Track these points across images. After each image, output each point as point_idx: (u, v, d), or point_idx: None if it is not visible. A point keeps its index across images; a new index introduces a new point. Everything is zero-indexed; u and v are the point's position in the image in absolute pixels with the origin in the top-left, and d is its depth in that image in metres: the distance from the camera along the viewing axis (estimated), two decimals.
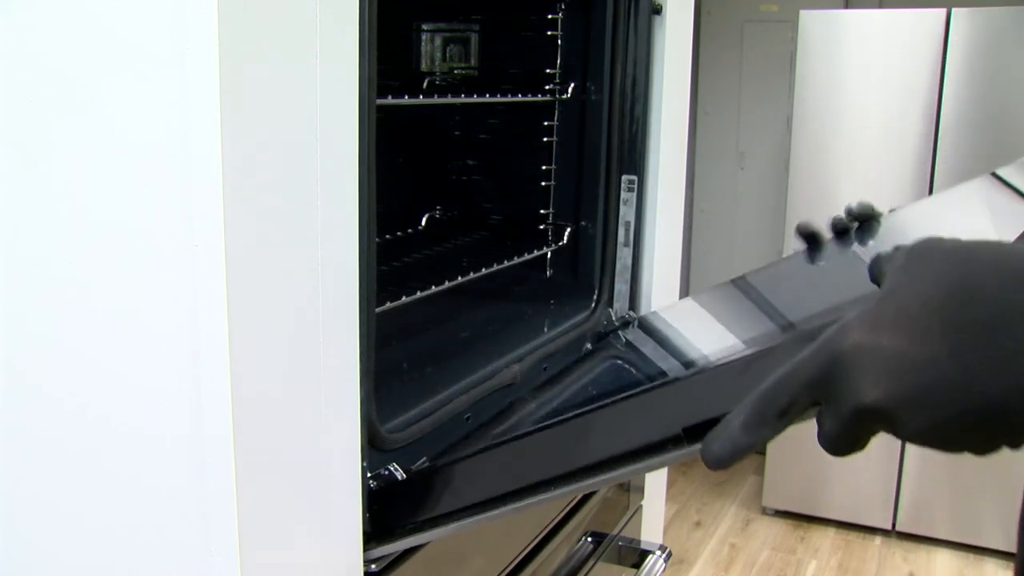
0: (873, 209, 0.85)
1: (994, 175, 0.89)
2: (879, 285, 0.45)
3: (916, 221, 0.77)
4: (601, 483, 0.62)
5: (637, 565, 1.26)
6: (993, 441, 0.40)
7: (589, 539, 1.19)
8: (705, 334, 0.79)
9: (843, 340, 0.42)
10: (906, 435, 0.42)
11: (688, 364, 0.77)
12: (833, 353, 0.43)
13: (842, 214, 0.88)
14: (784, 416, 0.46)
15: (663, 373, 0.84)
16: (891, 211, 0.87)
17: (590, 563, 1.17)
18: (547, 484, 0.64)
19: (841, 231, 0.83)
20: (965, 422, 0.40)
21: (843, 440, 0.43)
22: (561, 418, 0.64)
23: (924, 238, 0.44)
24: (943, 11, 2.74)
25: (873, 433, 0.43)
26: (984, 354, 0.39)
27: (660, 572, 1.25)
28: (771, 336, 0.65)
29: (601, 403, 0.62)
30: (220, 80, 0.54)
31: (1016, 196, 0.85)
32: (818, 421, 0.45)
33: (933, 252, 0.43)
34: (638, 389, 0.60)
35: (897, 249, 0.45)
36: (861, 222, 0.84)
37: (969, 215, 0.86)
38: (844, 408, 0.42)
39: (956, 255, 0.42)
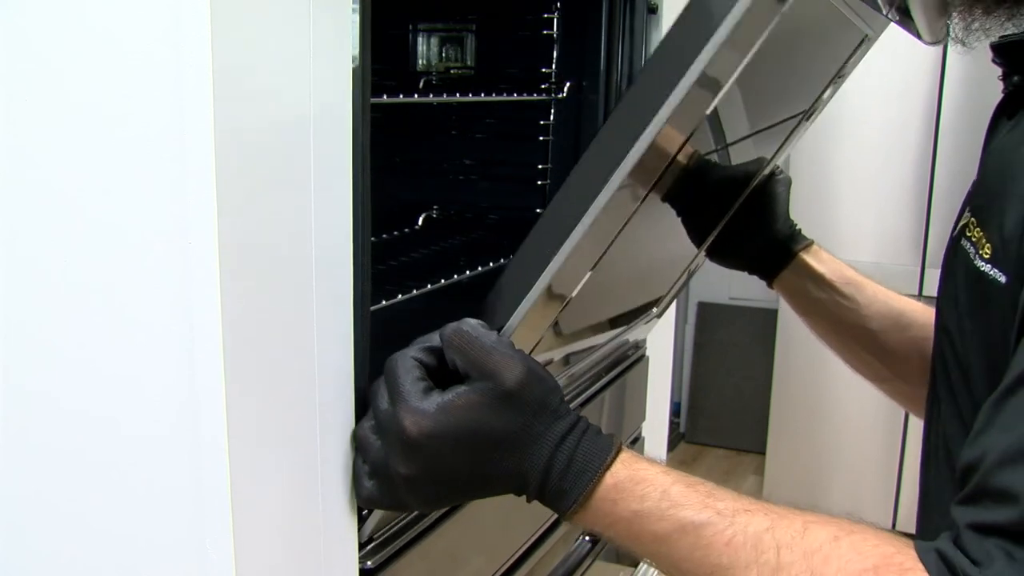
0: None
1: None
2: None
3: None
4: None
5: (635, 564, 1.27)
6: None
7: (587, 538, 1.19)
8: None
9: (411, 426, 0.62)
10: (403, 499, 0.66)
11: None
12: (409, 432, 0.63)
13: None
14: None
15: None
16: None
17: (587, 562, 1.17)
18: None
19: None
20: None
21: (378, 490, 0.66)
22: None
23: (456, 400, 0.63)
24: None
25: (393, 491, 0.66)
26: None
27: (659, 572, 1.25)
28: None
29: None
30: (213, 79, 0.54)
31: None
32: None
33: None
34: None
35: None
36: None
37: None
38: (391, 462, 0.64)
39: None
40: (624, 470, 0.63)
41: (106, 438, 0.63)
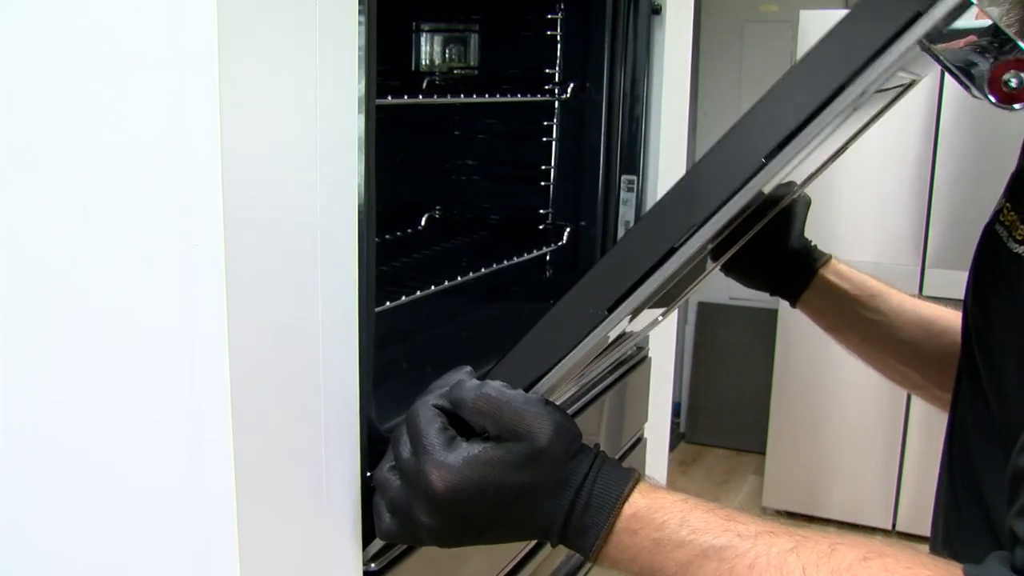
0: None
1: None
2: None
3: None
4: None
5: None
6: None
7: None
8: None
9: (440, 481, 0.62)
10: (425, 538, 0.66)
11: None
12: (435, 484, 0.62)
13: None
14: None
15: None
16: None
17: (588, 564, 1.17)
18: None
19: None
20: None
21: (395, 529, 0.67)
22: None
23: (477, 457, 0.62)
24: None
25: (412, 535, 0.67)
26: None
27: None
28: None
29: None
30: (219, 79, 0.54)
31: None
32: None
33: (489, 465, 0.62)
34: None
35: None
36: None
37: None
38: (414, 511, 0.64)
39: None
40: (642, 499, 0.62)
41: (108, 438, 0.63)
